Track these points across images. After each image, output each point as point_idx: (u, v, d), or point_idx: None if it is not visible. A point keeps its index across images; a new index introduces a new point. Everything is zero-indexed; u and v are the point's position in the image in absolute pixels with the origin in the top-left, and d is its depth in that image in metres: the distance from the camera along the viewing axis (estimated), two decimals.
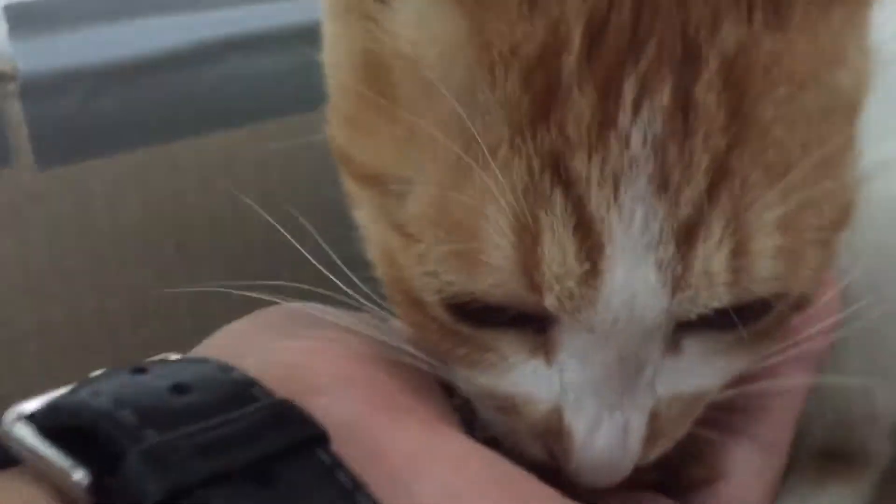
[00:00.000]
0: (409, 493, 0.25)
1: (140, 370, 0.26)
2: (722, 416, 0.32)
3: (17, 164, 0.51)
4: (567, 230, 0.26)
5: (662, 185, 0.26)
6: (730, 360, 0.30)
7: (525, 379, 0.30)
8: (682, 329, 0.29)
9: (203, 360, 0.27)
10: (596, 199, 0.26)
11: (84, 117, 0.52)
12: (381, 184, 0.30)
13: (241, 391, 0.25)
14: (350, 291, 0.33)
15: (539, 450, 0.31)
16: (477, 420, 0.32)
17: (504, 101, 0.26)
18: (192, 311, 0.61)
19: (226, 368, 0.26)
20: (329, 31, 0.33)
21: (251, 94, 0.57)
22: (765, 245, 0.27)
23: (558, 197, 0.26)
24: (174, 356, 0.28)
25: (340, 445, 0.25)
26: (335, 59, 0.32)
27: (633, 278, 0.26)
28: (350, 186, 0.32)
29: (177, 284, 0.59)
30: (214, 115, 0.57)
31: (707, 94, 0.26)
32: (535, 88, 0.26)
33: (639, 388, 0.29)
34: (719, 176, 0.26)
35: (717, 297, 0.27)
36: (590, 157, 0.26)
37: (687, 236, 0.26)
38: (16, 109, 0.50)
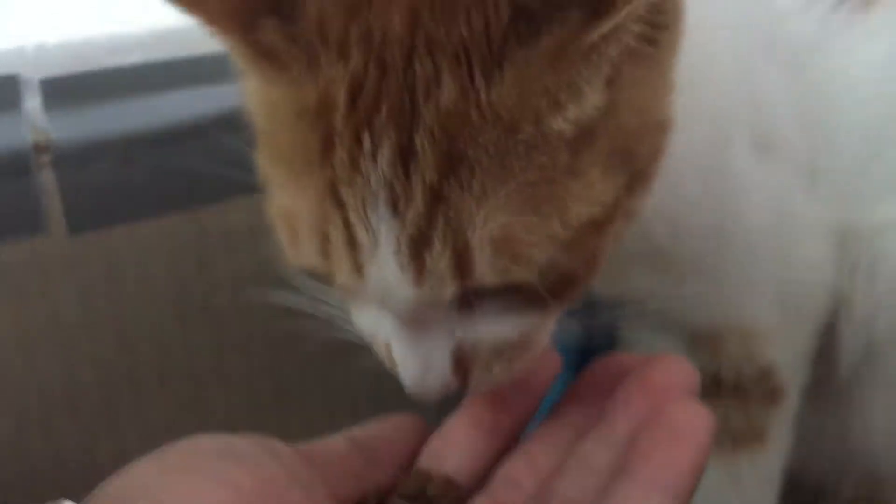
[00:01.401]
0: None
1: None
2: None
3: (51, 231, 0.54)
4: (340, 238, 0.36)
5: (396, 209, 0.35)
6: (519, 316, 0.39)
7: (371, 320, 0.40)
8: (472, 293, 0.37)
9: None
10: (354, 219, 0.35)
11: (114, 185, 0.54)
12: (265, 187, 0.40)
13: None
14: None
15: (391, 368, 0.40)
16: None
17: (304, 141, 0.36)
18: (215, 370, 0.62)
19: None
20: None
21: None
22: (481, 254, 0.35)
23: (336, 216, 0.35)
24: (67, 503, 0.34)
25: None
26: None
27: (384, 275, 0.36)
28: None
29: (201, 346, 0.61)
30: (239, 181, 0.59)
31: (423, 143, 0.34)
32: (320, 134, 0.35)
33: (435, 335, 0.38)
34: (434, 203, 0.34)
35: (447, 290, 0.36)
36: (349, 188, 0.35)
37: (417, 248, 0.35)
38: (50, 178, 0.53)
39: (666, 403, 0.39)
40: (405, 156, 0.34)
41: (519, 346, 0.40)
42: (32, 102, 0.53)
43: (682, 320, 0.53)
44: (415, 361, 0.39)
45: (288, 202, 0.37)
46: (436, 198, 0.34)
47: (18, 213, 0.53)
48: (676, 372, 0.41)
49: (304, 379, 0.65)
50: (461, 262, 0.35)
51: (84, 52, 0.55)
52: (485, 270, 0.35)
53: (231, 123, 0.58)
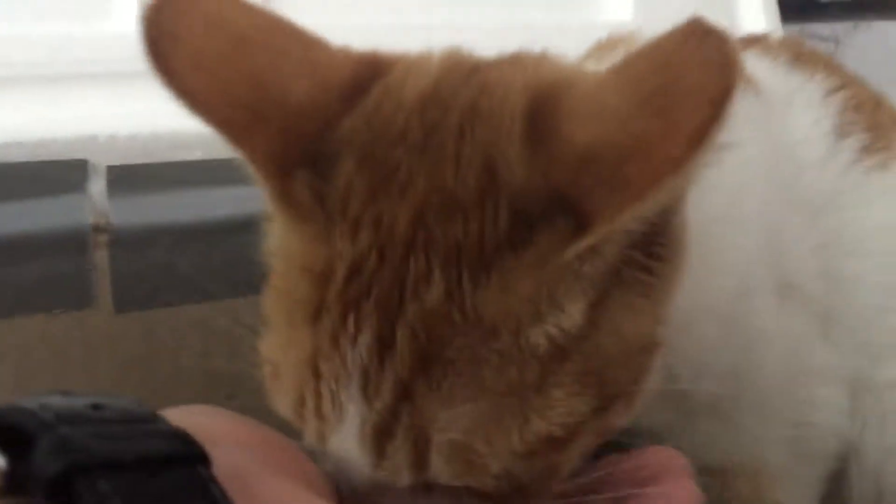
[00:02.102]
0: None
1: (68, 393, 0.31)
2: None
3: (98, 306, 0.57)
4: (311, 405, 0.36)
5: (365, 394, 0.35)
6: None
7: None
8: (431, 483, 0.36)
9: (122, 397, 0.32)
10: (326, 392, 0.36)
11: (162, 269, 0.58)
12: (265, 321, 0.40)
13: (146, 416, 0.31)
14: None
15: None
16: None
17: (302, 299, 0.36)
18: None
19: (138, 402, 0.32)
20: None
21: None
22: (438, 454, 0.35)
23: (311, 382, 0.36)
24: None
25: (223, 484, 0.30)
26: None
27: (345, 449, 0.36)
28: None
29: None
30: None
31: (402, 337, 0.34)
32: (315, 299, 0.36)
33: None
34: (402, 398, 0.35)
35: (405, 479, 0.36)
36: (327, 362, 0.35)
37: (380, 434, 0.35)
38: (104, 257, 0.56)
39: (658, 478, 0.39)
40: (383, 346, 0.35)
41: None
42: (97, 186, 0.57)
43: (694, 455, 0.54)
44: None
45: (277, 349, 0.38)
46: (404, 393, 0.35)
47: (71, 287, 0.56)
48: (669, 457, 0.41)
49: None
50: (419, 459, 0.35)
51: (150, 145, 0.59)
52: (440, 471, 0.35)
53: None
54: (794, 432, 0.53)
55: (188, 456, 0.30)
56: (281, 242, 0.39)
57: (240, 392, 0.62)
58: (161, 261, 0.58)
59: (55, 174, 0.56)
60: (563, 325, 0.35)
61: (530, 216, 0.34)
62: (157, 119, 0.60)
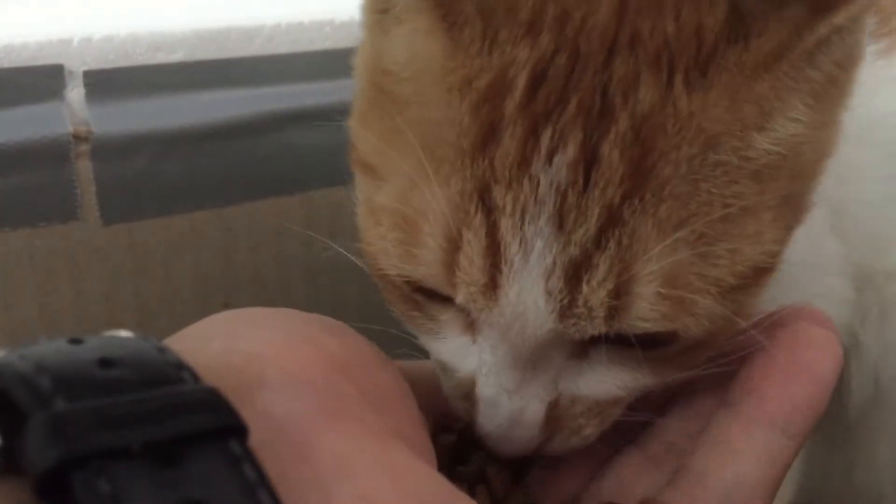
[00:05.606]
0: (325, 494, 0.25)
1: (77, 341, 0.26)
2: None
3: (84, 219, 0.55)
4: (479, 247, 0.31)
5: (559, 225, 0.30)
6: (634, 376, 0.34)
7: (456, 349, 0.35)
8: (591, 340, 0.33)
9: (143, 339, 0.27)
10: (504, 227, 0.30)
11: (148, 178, 0.56)
12: (370, 172, 0.35)
13: (168, 373, 0.25)
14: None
15: (462, 409, 0.36)
16: (472, 454, 0.37)
17: (456, 122, 0.31)
18: None
19: (162, 349, 0.26)
20: (361, 41, 0.38)
21: (303, 164, 0.60)
22: (646, 290, 0.30)
23: (479, 219, 0.31)
24: (124, 333, 0.27)
25: (270, 440, 0.25)
26: (358, 63, 0.38)
27: (525, 298, 0.31)
28: (353, 168, 0.38)
29: None
30: (267, 182, 0.60)
31: (611, 151, 0.30)
32: (482, 120, 0.30)
33: (538, 382, 0.34)
34: (609, 224, 0.30)
35: (597, 327, 0.31)
36: (507, 191, 0.30)
37: (575, 272, 0.30)
38: (87, 168, 0.54)
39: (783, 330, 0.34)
40: (589, 163, 0.30)
41: (603, 408, 0.35)
42: (75, 93, 0.54)
43: None
44: (506, 409, 0.34)
45: (410, 194, 0.32)
46: (613, 217, 0.30)
47: (54, 200, 0.54)
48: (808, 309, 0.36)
49: None
50: (619, 298, 0.30)
51: (128, 48, 0.56)
52: (642, 313, 0.31)
53: (264, 126, 0.60)
54: None
55: (217, 430, 0.24)
56: (408, 58, 0.33)
57: (236, 301, 0.61)
58: (147, 169, 0.55)
59: (29, 81, 0.53)
60: (787, 133, 0.32)
61: (753, 4, 0.30)
62: (133, 19, 0.57)
